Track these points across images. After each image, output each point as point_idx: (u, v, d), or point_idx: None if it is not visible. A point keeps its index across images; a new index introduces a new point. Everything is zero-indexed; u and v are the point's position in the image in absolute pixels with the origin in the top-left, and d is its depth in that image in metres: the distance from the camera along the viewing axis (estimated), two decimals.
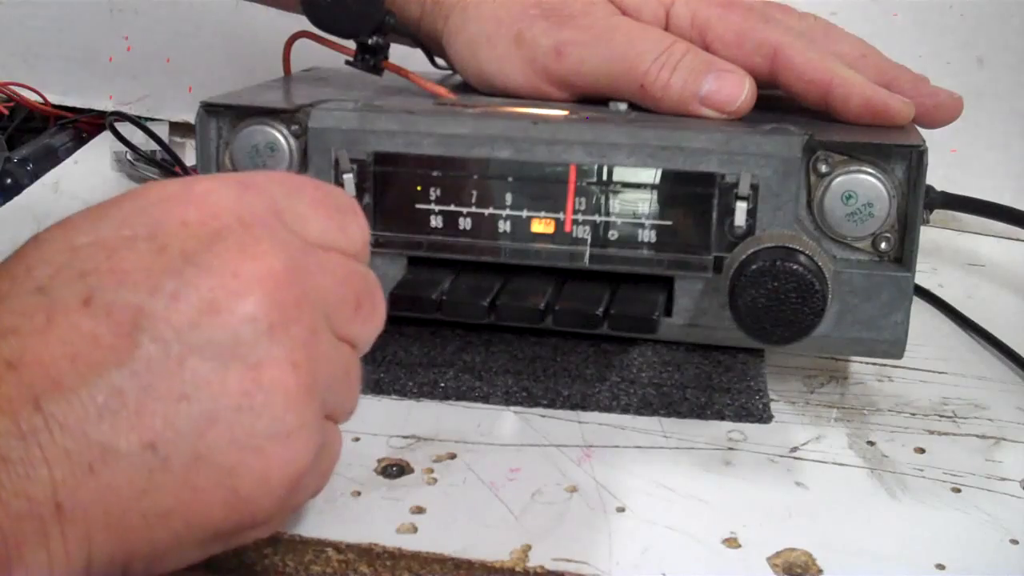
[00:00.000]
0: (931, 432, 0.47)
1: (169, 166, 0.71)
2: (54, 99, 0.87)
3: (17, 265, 0.29)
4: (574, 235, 0.48)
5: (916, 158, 0.46)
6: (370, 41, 0.54)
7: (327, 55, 0.57)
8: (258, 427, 0.29)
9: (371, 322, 0.35)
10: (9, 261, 0.30)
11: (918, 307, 0.57)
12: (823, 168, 0.46)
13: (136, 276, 0.29)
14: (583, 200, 0.48)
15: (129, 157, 0.76)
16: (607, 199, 0.48)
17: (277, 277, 0.30)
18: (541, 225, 0.49)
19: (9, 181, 0.76)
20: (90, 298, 0.28)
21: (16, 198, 0.74)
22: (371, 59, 0.55)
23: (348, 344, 0.34)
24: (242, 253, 0.30)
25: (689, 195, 0.47)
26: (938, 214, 0.70)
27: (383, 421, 0.47)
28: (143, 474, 0.28)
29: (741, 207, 0.47)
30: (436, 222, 0.49)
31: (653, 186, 0.47)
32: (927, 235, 0.61)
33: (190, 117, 0.52)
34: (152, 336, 0.28)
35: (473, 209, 0.49)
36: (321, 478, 0.35)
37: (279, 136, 0.50)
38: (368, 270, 0.36)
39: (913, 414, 0.48)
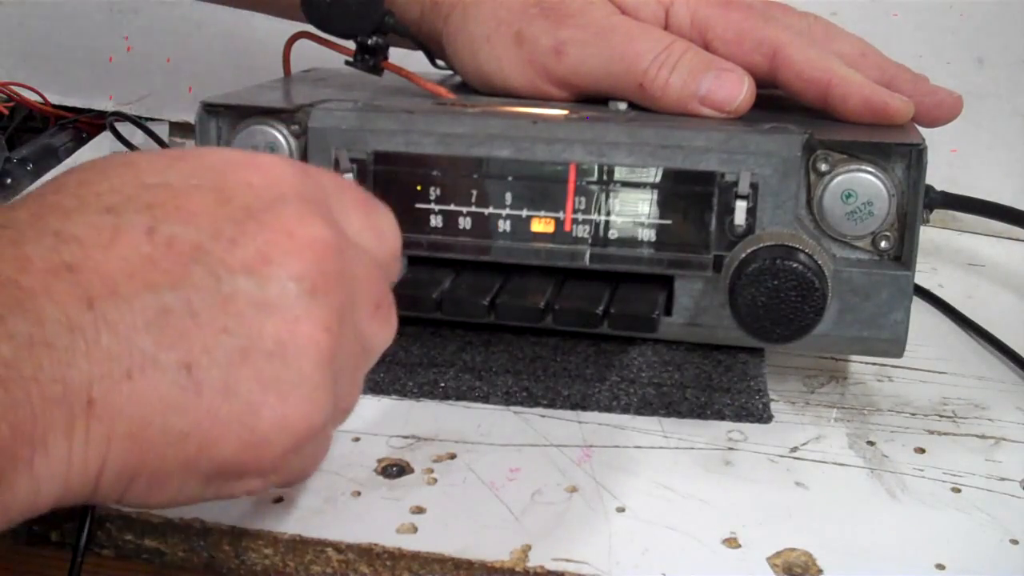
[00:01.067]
0: (931, 432, 0.47)
1: None
2: (54, 99, 0.87)
3: (84, 188, 0.31)
4: (574, 234, 0.48)
5: (916, 157, 0.46)
6: (370, 41, 0.54)
7: (327, 55, 0.57)
8: (285, 375, 0.31)
9: (385, 328, 0.36)
10: (70, 182, 0.31)
11: (918, 307, 0.57)
12: (823, 167, 0.46)
13: (199, 218, 0.31)
14: (583, 199, 0.48)
15: None
16: (607, 198, 0.48)
17: (326, 247, 0.32)
18: (541, 224, 0.49)
19: (9, 181, 0.76)
20: (154, 228, 0.30)
21: (16, 198, 0.74)
22: (371, 59, 0.55)
23: (362, 343, 0.35)
24: (299, 219, 0.32)
25: (689, 194, 0.47)
26: (938, 214, 0.70)
27: (383, 421, 0.47)
28: (174, 392, 0.29)
29: (741, 206, 0.47)
30: (436, 221, 0.49)
31: (653, 185, 0.47)
32: (927, 235, 0.62)
33: (190, 117, 0.52)
34: (206, 270, 0.30)
35: (473, 208, 0.49)
36: (313, 462, 0.35)
37: (279, 136, 0.50)
38: (393, 278, 0.37)
39: (913, 414, 0.48)
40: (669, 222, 0.48)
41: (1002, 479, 0.43)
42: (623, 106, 0.52)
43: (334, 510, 0.40)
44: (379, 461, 0.43)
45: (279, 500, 0.41)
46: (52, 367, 0.27)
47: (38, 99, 0.87)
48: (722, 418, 0.47)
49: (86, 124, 0.87)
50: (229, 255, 0.30)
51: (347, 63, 0.56)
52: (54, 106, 0.87)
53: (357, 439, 0.45)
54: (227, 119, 0.51)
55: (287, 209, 0.32)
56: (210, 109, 0.51)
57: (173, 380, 0.29)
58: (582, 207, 0.48)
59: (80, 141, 0.85)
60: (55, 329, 0.28)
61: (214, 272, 0.30)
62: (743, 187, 0.47)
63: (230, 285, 0.30)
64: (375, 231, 0.36)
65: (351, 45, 0.55)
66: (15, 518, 0.28)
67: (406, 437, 0.45)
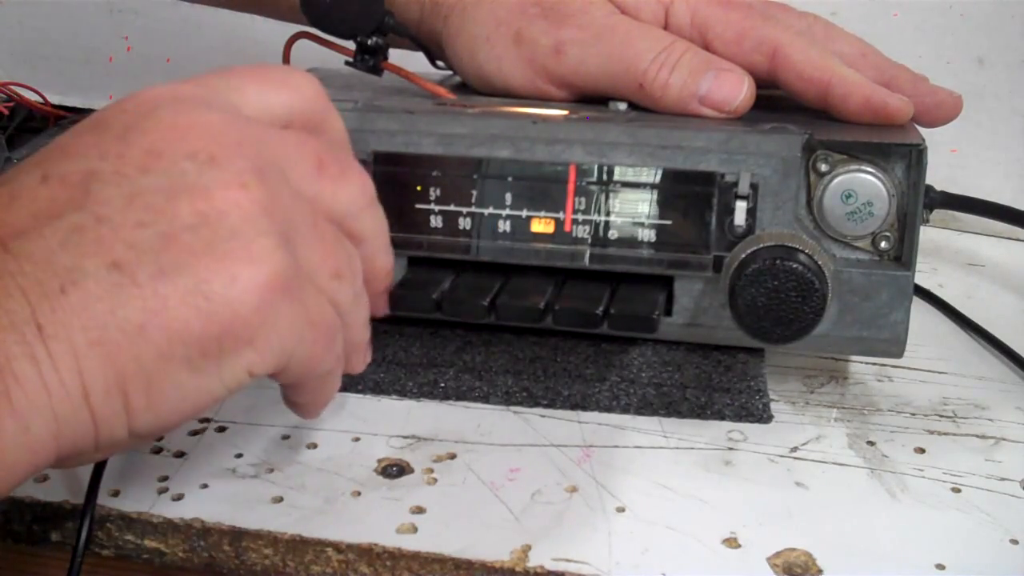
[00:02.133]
0: (931, 432, 0.47)
1: None
2: (54, 99, 0.87)
3: None
4: (574, 235, 0.48)
5: (916, 157, 0.46)
6: (370, 42, 0.54)
7: (327, 56, 0.57)
8: (216, 239, 0.31)
9: (341, 184, 0.36)
10: None
11: (918, 307, 0.57)
12: (823, 167, 0.46)
13: (85, 150, 0.32)
14: (583, 200, 0.48)
15: None
16: (607, 198, 0.48)
17: (212, 123, 0.32)
18: (541, 225, 0.48)
19: None
20: (46, 175, 0.31)
21: None
22: (370, 59, 0.55)
23: (314, 205, 0.35)
24: (177, 113, 0.32)
25: (689, 194, 0.47)
26: (938, 214, 0.70)
27: (383, 421, 0.47)
28: (112, 290, 0.30)
29: (741, 206, 0.47)
30: (436, 222, 0.49)
31: (653, 185, 0.47)
32: (927, 235, 0.62)
33: None
34: (103, 184, 0.31)
35: (473, 209, 0.49)
36: (312, 330, 0.34)
37: None
38: (333, 140, 0.37)
39: (913, 414, 0.48)
40: (669, 222, 0.48)
41: (1002, 479, 0.43)
42: (623, 106, 0.52)
43: (334, 510, 0.40)
44: (379, 461, 0.43)
45: (279, 500, 0.41)
46: None
47: (38, 99, 0.87)
48: (722, 418, 0.47)
49: None
50: (121, 165, 0.31)
51: (347, 63, 0.56)
52: (54, 106, 0.87)
53: (357, 439, 0.45)
54: None
55: (164, 111, 0.32)
56: None
57: (106, 280, 0.30)
58: (582, 207, 0.48)
59: None
60: None
61: (112, 182, 0.31)
62: (743, 187, 0.47)
63: (130, 187, 0.31)
64: (283, 86, 0.36)
65: (351, 45, 0.55)
66: (14, 463, 0.29)
67: (406, 437, 0.45)
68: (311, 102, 0.37)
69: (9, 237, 0.30)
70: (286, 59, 0.59)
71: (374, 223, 0.38)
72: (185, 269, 0.30)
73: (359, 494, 0.41)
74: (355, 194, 0.36)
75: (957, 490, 0.43)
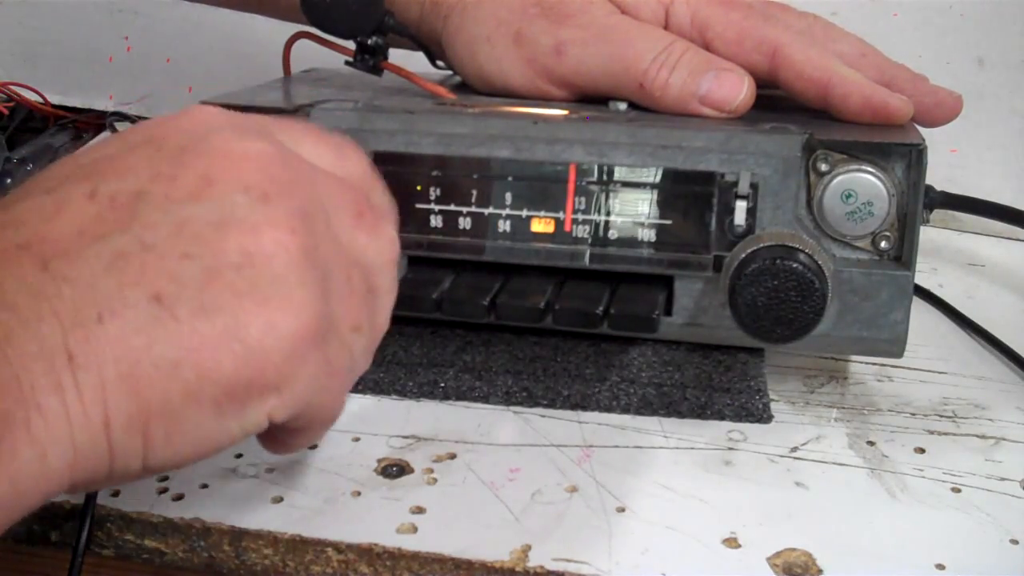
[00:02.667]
0: (931, 432, 0.47)
1: None
2: (54, 99, 0.87)
3: (29, 183, 0.31)
4: (574, 234, 0.48)
5: (916, 157, 0.46)
6: (370, 41, 0.54)
7: (327, 56, 0.57)
8: (260, 282, 0.30)
9: (376, 238, 0.35)
10: (22, 185, 0.32)
11: (918, 307, 0.57)
12: (823, 167, 0.46)
13: (137, 169, 0.31)
14: (583, 199, 0.48)
15: None
16: (607, 198, 0.48)
17: (269, 156, 0.32)
18: (541, 224, 0.48)
19: (9, 181, 0.76)
20: (95, 191, 0.30)
21: None
22: (370, 59, 0.55)
23: (350, 254, 0.34)
24: (234, 140, 0.32)
25: (689, 194, 0.47)
26: (938, 214, 0.70)
27: (383, 421, 0.47)
28: (150, 324, 0.29)
29: (741, 206, 0.47)
30: (436, 222, 0.49)
31: (653, 185, 0.47)
32: (927, 235, 0.62)
33: None
34: (152, 207, 0.30)
35: (473, 208, 0.49)
36: (331, 380, 0.34)
37: None
38: (373, 196, 0.37)
39: (913, 414, 0.48)
40: (669, 222, 0.48)
41: (1002, 479, 0.43)
42: (623, 106, 0.52)
43: (334, 510, 0.40)
44: (379, 461, 0.43)
45: (279, 500, 0.41)
46: (21, 328, 0.28)
47: (38, 99, 0.87)
48: (722, 418, 0.47)
49: (86, 124, 0.87)
50: (172, 189, 0.30)
51: (347, 63, 0.56)
52: (54, 106, 0.87)
53: (357, 439, 0.45)
54: None
55: (220, 135, 0.32)
56: None
57: (146, 313, 0.29)
58: (582, 207, 0.48)
59: (80, 141, 0.85)
60: (15, 294, 0.28)
61: (161, 207, 0.30)
62: (743, 187, 0.47)
63: (180, 214, 0.30)
64: (334, 152, 0.36)
65: (351, 45, 0.55)
66: (28, 491, 0.28)
67: (406, 437, 0.45)
68: (361, 176, 0.37)
69: (50, 255, 0.29)
70: (286, 59, 0.59)
71: (391, 282, 0.37)
72: (226, 309, 0.30)
73: (359, 494, 0.41)
74: (384, 249, 0.36)
75: (957, 490, 0.42)
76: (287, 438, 0.36)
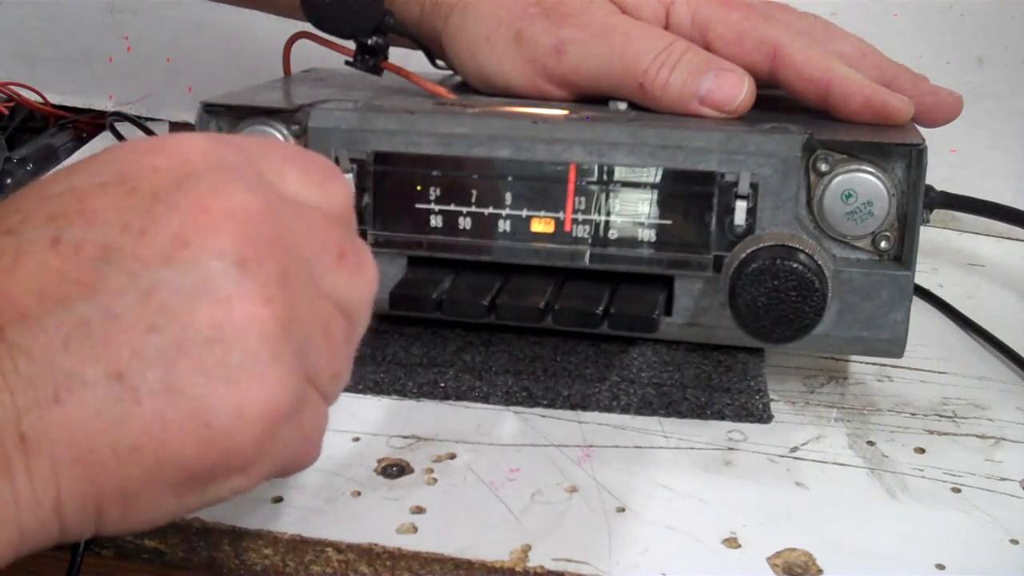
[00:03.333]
0: (931, 432, 0.47)
1: None
2: (54, 99, 0.87)
3: None
4: (574, 234, 0.48)
5: (916, 157, 0.46)
6: (370, 41, 0.54)
7: (327, 56, 0.57)
8: (230, 360, 0.28)
9: (357, 276, 0.34)
10: None
11: (918, 307, 0.57)
12: (823, 167, 0.46)
13: (105, 216, 0.28)
14: (583, 199, 0.48)
15: None
16: (607, 198, 0.48)
17: (249, 214, 0.30)
18: (541, 224, 0.48)
19: (9, 181, 0.76)
20: (58, 238, 0.28)
21: None
22: (371, 59, 0.55)
23: (331, 299, 0.33)
24: (212, 192, 0.29)
25: (689, 194, 0.47)
26: (938, 214, 0.70)
27: (383, 421, 0.47)
28: (111, 405, 0.27)
29: (741, 206, 0.47)
30: (436, 222, 0.49)
31: (653, 185, 0.47)
32: (927, 235, 0.62)
33: (190, 117, 0.52)
34: (119, 269, 0.28)
35: (473, 208, 0.49)
36: (305, 443, 0.33)
37: (279, 136, 0.50)
38: (353, 230, 0.35)
39: (913, 414, 0.48)
40: (669, 222, 0.48)
41: (1002, 479, 0.43)
42: (623, 106, 0.52)
43: (334, 510, 0.40)
44: (379, 461, 0.43)
45: (279, 500, 0.41)
46: None
47: (38, 99, 0.87)
48: (722, 418, 0.47)
49: (86, 124, 0.87)
50: (142, 247, 0.28)
51: (347, 63, 0.56)
52: (54, 106, 0.87)
53: (357, 439, 0.45)
54: (227, 119, 0.51)
55: (199, 185, 0.29)
56: (210, 109, 0.51)
57: (107, 393, 0.27)
58: (582, 207, 0.48)
59: (80, 141, 0.85)
60: None
61: (128, 270, 0.28)
62: (743, 187, 0.47)
63: (148, 279, 0.28)
64: (318, 184, 0.34)
65: (351, 45, 0.55)
66: None
67: (406, 437, 0.45)
68: (339, 209, 0.35)
69: (7, 320, 0.27)
70: (286, 59, 0.59)
71: (367, 316, 0.36)
72: (192, 390, 0.28)
73: (359, 494, 0.41)
74: (365, 287, 0.34)
75: (957, 490, 0.42)
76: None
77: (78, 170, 0.30)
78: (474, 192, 0.49)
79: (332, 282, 0.33)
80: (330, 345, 0.33)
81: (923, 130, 0.50)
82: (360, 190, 0.49)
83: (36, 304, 0.27)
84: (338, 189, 0.35)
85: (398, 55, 0.56)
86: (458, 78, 0.59)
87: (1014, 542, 0.39)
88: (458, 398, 0.48)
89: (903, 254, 0.47)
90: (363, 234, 0.50)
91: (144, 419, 0.27)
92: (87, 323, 0.27)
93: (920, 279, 0.56)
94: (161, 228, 0.28)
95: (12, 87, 0.86)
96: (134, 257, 0.28)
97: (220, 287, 0.28)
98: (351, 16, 0.53)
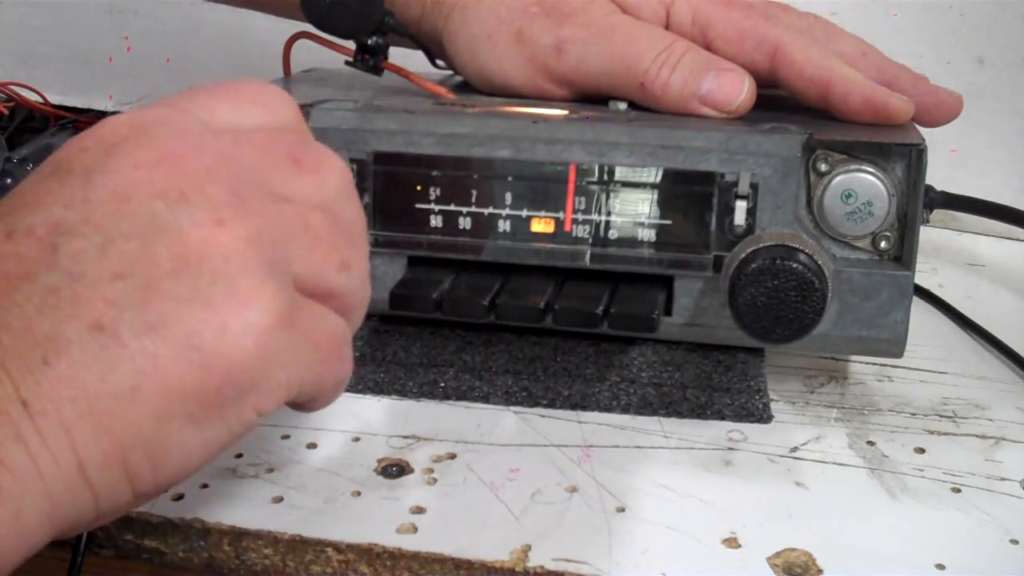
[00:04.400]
0: (931, 432, 0.47)
1: None
2: (54, 99, 0.87)
3: None
4: (574, 234, 0.48)
5: (916, 157, 0.46)
6: (370, 41, 0.54)
7: (327, 56, 0.57)
8: (200, 284, 0.29)
9: (319, 174, 0.34)
10: None
11: (918, 307, 0.57)
12: (823, 167, 0.46)
13: (47, 199, 0.30)
14: (583, 199, 0.48)
15: None
16: (607, 198, 0.48)
17: (178, 155, 0.31)
18: (541, 224, 0.49)
19: (9, 181, 0.76)
20: (11, 231, 0.29)
21: None
22: (371, 59, 0.55)
23: (300, 203, 0.33)
24: (139, 148, 0.30)
25: (689, 194, 0.47)
26: (938, 214, 0.70)
27: (383, 421, 0.47)
28: (98, 354, 0.28)
29: (741, 206, 0.47)
30: (436, 222, 0.49)
31: (653, 185, 0.47)
32: (927, 235, 0.62)
33: None
34: (72, 236, 0.29)
35: (473, 208, 0.49)
36: (318, 352, 0.33)
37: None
38: (303, 136, 0.35)
39: (913, 414, 0.48)
40: (669, 222, 0.48)
41: (1002, 479, 0.43)
42: (623, 106, 0.52)
43: (334, 510, 0.40)
44: (379, 461, 0.43)
45: (279, 500, 0.41)
46: None
47: (38, 99, 0.87)
48: (722, 418, 0.47)
49: (86, 124, 0.86)
50: (88, 211, 0.29)
51: (347, 63, 0.56)
52: (54, 106, 0.87)
53: (357, 439, 0.45)
54: None
55: (125, 147, 0.30)
56: None
57: (91, 345, 0.28)
58: (582, 207, 0.48)
59: None
60: None
61: (81, 233, 0.29)
62: (743, 187, 0.47)
63: (101, 236, 0.29)
64: (253, 105, 0.34)
65: (351, 45, 0.55)
66: (7, 550, 0.27)
67: (406, 437, 0.45)
68: (284, 122, 0.35)
69: None
70: (286, 59, 0.59)
71: (356, 208, 0.36)
72: (172, 320, 0.28)
73: (359, 494, 0.41)
74: (333, 180, 0.34)
75: (957, 490, 0.42)
76: (300, 409, 0.35)
77: (23, 182, 0.31)
78: (474, 192, 0.49)
79: (295, 187, 0.33)
80: (320, 240, 0.33)
81: (923, 130, 0.50)
82: (360, 190, 0.49)
83: (4, 284, 0.28)
84: (276, 103, 0.35)
85: (398, 55, 0.56)
86: (458, 78, 0.59)
87: (1014, 542, 0.39)
88: (458, 398, 0.48)
89: (903, 254, 0.47)
90: None
91: (134, 360, 0.28)
92: (55, 289, 0.28)
93: (920, 279, 0.56)
94: (100, 191, 0.30)
95: (12, 87, 0.86)
96: (83, 222, 0.29)
97: (170, 224, 0.29)
98: (351, 16, 0.53)
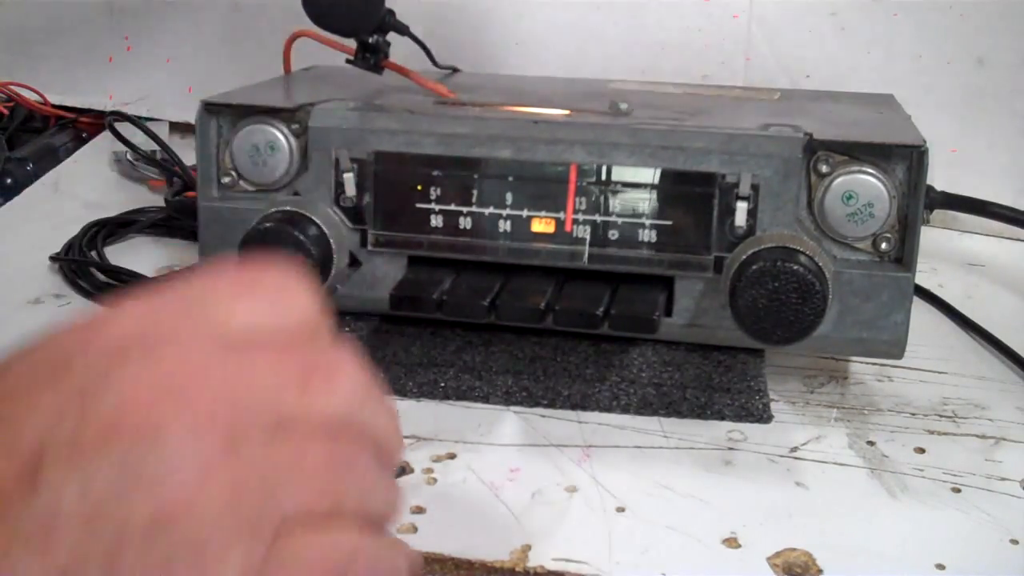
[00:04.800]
0: (931, 432, 0.47)
1: (169, 166, 0.71)
2: (54, 99, 0.87)
3: None
4: (574, 235, 0.48)
5: (917, 158, 0.46)
6: (371, 39, 0.54)
7: (327, 56, 0.57)
8: (169, 550, 0.28)
9: (335, 383, 0.32)
10: None
11: (918, 307, 0.57)
12: (824, 168, 0.46)
13: (40, 406, 0.28)
14: (583, 200, 0.48)
15: (129, 157, 0.76)
16: (607, 199, 0.48)
17: (180, 385, 0.29)
18: (541, 225, 0.49)
19: (9, 181, 0.76)
20: None
21: (16, 198, 0.74)
22: (371, 57, 0.55)
23: (304, 425, 0.31)
24: (143, 370, 0.29)
25: (690, 195, 0.47)
26: (938, 214, 0.70)
27: None
28: None
29: (742, 207, 0.47)
30: (436, 221, 0.49)
31: (653, 186, 0.47)
32: (927, 235, 0.61)
33: (190, 117, 0.52)
34: (56, 464, 0.27)
35: (473, 209, 0.49)
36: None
37: (279, 135, 0.50)
38: (319, 339, 0.33)
39: (913, 414, 0.48)
40: (670, 223, 0.48)
41: (1002, 479, 0.43)
42: (625, 106, 0.52)
43: None
44: None
45: None
46: None
47: (38, 99, 0.87)
48: (722, 418, 0.47)
49: (86, 124, 0.87)
50: (77, 435, 0.28)
51: (348, 61, 0.56)
52: (54, 106, 0.87)
53: None
54: (227, 118, 0.51)
55: (128, 365, 0.29)
56: (210, 108, 0.51)
57: None
58: (583, 207, 0.48)
59: (80, 141, 0.84)
60: None
61: (65, 463, 0.27)
62: (744, 188, 0.47)
63: (83, 473, 0.27)
64: (274, 305, 0.32)
65: (352, 44, 0.55)
66: None
67: (406, 437, 0.45)
68: (302, 323, 0.33)
69: None
70: (287, 58, 0.59)
71: (376, 411, 0.34)
72: None
73: None
74: (349, 392, 0.32)
75: (957, 490, 0.43)
76: None
77: (13, 362, 0.30)
78: (474, 192, 0.49)
79: (303, 406, 0.31)
80: (310, 482, 0.31)
81: (923, 130, 0.50)
82: (360, 190, 0.49)
83: None
84: (296, 303, 0.33)
85: (399, 55, 0.56)
86: (459, 77, 0.59)
87: (1014, 542, 0.39)
88: (458, 398, 0.48)
89: (904, 255, 0.47)
90: (363, 234, 0.50)
91: None
92: (31, 518, 0.27)
93: (920, 279, 0.56)
94: (93, 417, 0.28)
95: (12, 87, 0.86)
96: (69, 445, 0.28)
97: (153, 474, 0.28)
98: (352, 14, 0.53)
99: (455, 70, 0.59)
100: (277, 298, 0.33)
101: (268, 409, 0.30)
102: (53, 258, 0.63)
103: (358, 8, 0.53)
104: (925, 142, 0.46)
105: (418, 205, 0.49)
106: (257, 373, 0.31)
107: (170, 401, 0.28)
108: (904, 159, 0.46)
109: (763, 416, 0.47)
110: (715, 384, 0.49)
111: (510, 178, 0.48)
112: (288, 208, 0.48)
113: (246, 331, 0.31)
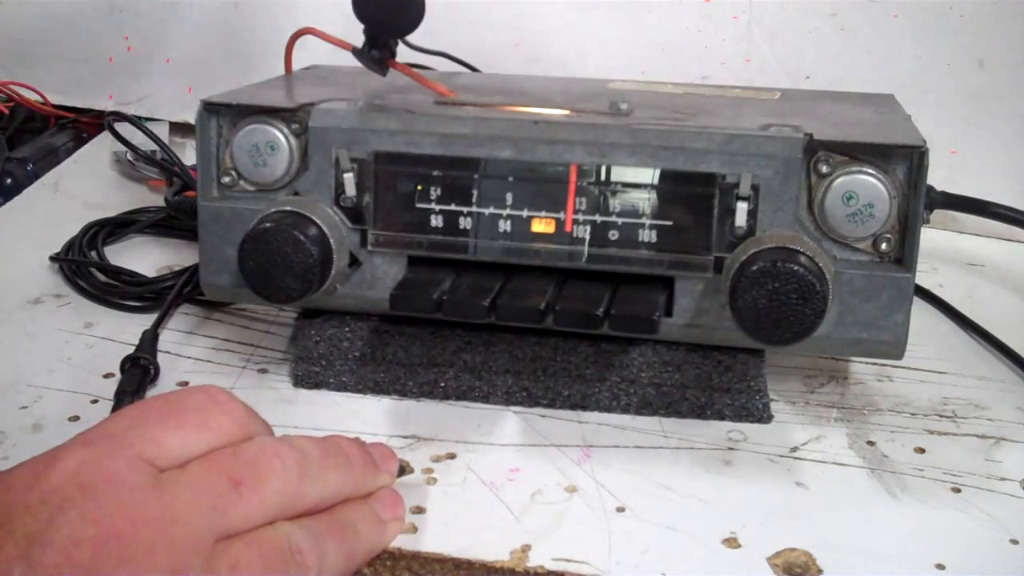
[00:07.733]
0: (931, 432, 0.47)
1: (168, 166, 0.71)
2: (54, 99, 0.87)
3: None
4: (574, 235, 0.48)
5: (917, 159, 0.46)
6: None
7: (327, 56, 0.57)
8: None
9: (262, 484, 0.34)
10: None
11: (918, 307, 0.57)
12: (824, 169, 0.46)
13: None
14: (583, 200, 0.48)
15: (129, 157, 0.76)
16: (607, 199, 0.48)
17: (118, 531, 0.30)
18: (541, 225, 0.48)
19: (9, 181, 0.76)
20: None
21: (16, 198, 0.74)
22: (377, 54, 0.54)
23: (242, 526, 0.33)
24: (81, 520, 0.30)
25: (690, 195, 0.47)
26: (938, 215, 0.70)
27: (383, 421, 0.47)
28: None
29: (742, 207, 0.47)
30: (436, 222, 0.49)
31: (653, 186, 0.47)
32: (927, 235, 0.62)
33: (190, 117, 0.52)
34: None
35: (473, 209, 0.49)
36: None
37: (279, 135, 0.50)
38: (246, 443, 0.35)
39: (913, 414, 0.48)
40: (670, 223, 0.48)
41: (1002, 479, 0.43)
42: (625, 106, 0.52)
43: None
44: None
45: None
46: None
47: (38, 99, 0.87)
48: (722, 418, 0.47)
49: (86, 124, 0.87)
50: None
51: (354, 51, 0.55)
52: (54, 106, 0.87)
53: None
54: (228, 118, 0.51)
55: (68, 517, 0.30)
56: (211, 108, 0.51)
57: None
58: (583, 208, 0.48)
59: (80, 141, 0.84)
60: None
61: None
62: (744, 189, 0.47)
63: None
64: (198, 429, 0.34)
65: (353, 43, 0.55)
66: None
67: (406, 437, 0.45)
68: (227, 437, 0.35)
69: None
70: (288, 56, 0.59)
71: (321, 474, 0.35)
72: None
73: None
74: (280, 485, 0.34)
75: (957, 490, 0.43)
76: None
77: None
78: (474, 192, 0.49)
79: (239, 513, 0.33)
80: (278, 561, 0.33)
81: (923, 130, 0.50)
82: (360, 189, 0.49)
83: None
84: (220, 418, 0.35)
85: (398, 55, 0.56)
86: (461, 78, 0.59)
87: (1014, 542, 0.39)
88: (458, 398, 0.48)
89: (904, 256, 0.47)
90: (363, 234, 0.50)
91: None
92: None
93: (920, 279, 0.56)
94: (38, 570, 0.29)
95: (12, 87, 0.86)
96: None
97: None
98: (398, 13, 0.52)
99: (474, 70, 0.58)
100: (202, 420, 0.35)
101: (204, 536, 0.32)
102: (53, 258, 0.63)
103: (408, 9, 0.52)
104: (925, 142, 0.46)
105: (418, 205, 0.49)
106: (191, 500, 0.32)
107: (111, 549, 0.30)
108: (904, 159, 0.46)
109: (763, 416, 0.47)
110: (715, 384, 0.49)
111: (510, 178, 0.48)
112: (288, 208, 0.48)
113: (176, 459, 0.33)
